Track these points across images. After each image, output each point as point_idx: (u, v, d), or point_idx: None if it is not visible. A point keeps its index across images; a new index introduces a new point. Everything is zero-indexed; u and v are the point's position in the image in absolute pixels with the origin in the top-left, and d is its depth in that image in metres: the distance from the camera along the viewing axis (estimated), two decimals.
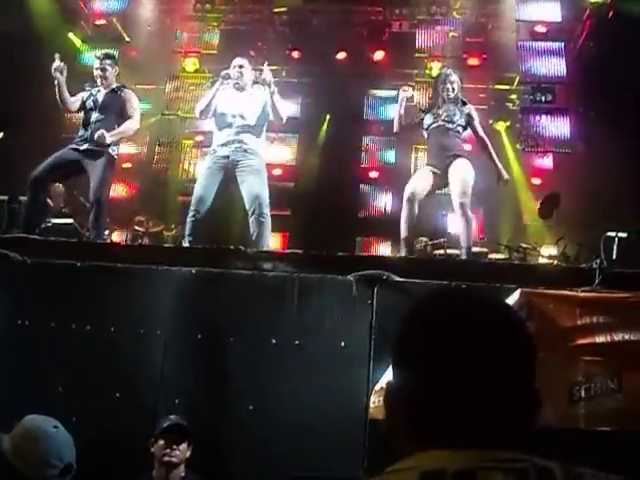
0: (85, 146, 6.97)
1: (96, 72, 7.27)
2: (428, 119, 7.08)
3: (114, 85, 7.34)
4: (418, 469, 1.08)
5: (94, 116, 7.10)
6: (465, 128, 7.13)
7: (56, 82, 6.95)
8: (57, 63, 6.95)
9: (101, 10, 12.50)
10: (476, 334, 1.15)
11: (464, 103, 7.20)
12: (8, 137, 8.10)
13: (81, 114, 7.32)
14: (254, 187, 6.64)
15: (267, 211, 6.61)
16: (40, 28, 10.88)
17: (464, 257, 6.64)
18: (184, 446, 4.32)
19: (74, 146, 7.02)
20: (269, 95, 6.76)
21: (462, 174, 6.81)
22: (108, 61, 7.39)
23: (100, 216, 6.99)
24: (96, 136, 6.85)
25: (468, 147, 11.45)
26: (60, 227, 8.20)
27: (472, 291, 1.35)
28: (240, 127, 6.79)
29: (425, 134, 7.14)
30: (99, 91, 7.27)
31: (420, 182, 6.87)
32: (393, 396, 1.23)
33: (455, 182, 6.77)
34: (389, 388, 1.25)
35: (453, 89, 7.10)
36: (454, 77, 7.23)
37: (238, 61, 7.05)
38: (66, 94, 7.09)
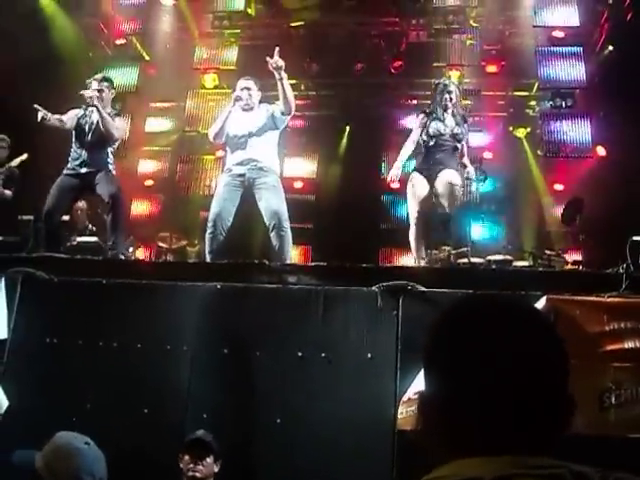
0: (84, 170, 7.12)
1: (92, 92, 7.29)
2: (435, 126, 7.13)
3: (109, 109, 7.44)
4: (455, 477, 1.08)
5: (87, 139, 7.22)
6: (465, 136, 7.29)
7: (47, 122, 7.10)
8: (40, 116, 7.03)
9: (121, 30, 12.65)
10: (508, 340, 1.15)
11: (465, 120, 7.35)
12: (32, 158, 8.20)
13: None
14: (272, 203, 6.67)
15: (287, 225, 6.64)
16: (62, 51, 11.02)
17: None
18: (209, 461, 4.32)
19: (71, 172, 7.16)
20: (278, 80, 6.72)
21: (449, 186, 6.93)
22: (106, 83, 7.50)
23: (118, 220, 7.12)
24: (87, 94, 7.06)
25: (489, 155, 11.52)
26: (85, 245, 8.26)
27: (502, 298, 1.35)
28: (253, 146, 6.83)
29: (429, 140, 7.14)
30: (93, 112, 7.33)
31: (421, 199, 6.95)
32: (426, 405, 1.23)
33: (441, 193, 6.96)
34: (422, 397, 1.25)
35: (451, 99, 7.18)
36: (452, 87, 7.33)
37: (243, 83, 7.07)
38: (58, 123, 7.22)
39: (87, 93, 7.15)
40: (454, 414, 1.16)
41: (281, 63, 6.71)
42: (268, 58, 6.75)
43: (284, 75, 6.72)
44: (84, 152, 7.16)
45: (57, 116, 7.20)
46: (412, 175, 7.16)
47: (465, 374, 1.16)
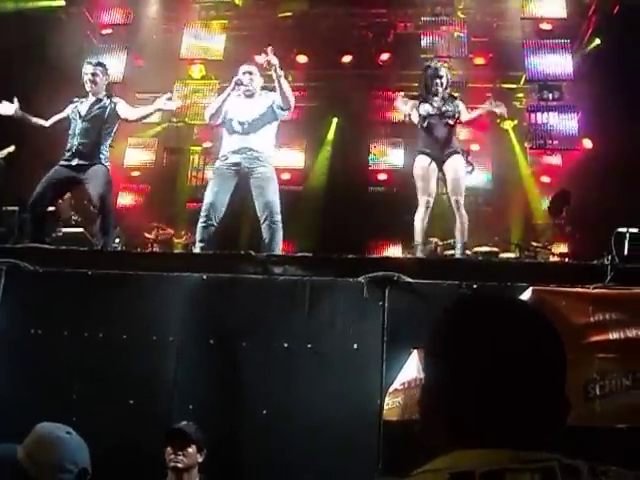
0: (76, 161, 6.98)
1: (86, 77, 7.24)
2: (424, 107, 7.16)
3: (101, 94, 7.32)
4: (447, 470, 1.09)
5: (79, 126, 7.09)
6: (456, 121, 7.24)
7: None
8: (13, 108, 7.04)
9: (107, 20, 12.54)
10: (508, 336, 1.17)
11: (454, 98, 7.34)
12: (19, 149, 8.14)
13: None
14: (265, 194, 6.66)
15: (278, 217, 6.64)
16: (47, 39, 10.91)
17: (459, 254, 6.76)
18: (190, 451, 4.32)
19: (64, 162, 7.02)
20: (275, 78, 6.73)
21: (457, 173, 7.01)
22: (100, 68, 7.38)
23: (107, 224, 7.01)
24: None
25: (476, 147, 11.53)
26: (70, 236, 8.23)
27: (503, 294, 1.37)
28: (251, 134, 6.80)
29: (421, 122, 7.15)
30: (82, 102, 7.25)
31: (431, 183, 6.93)
32: (426, 397, 1.25)
33: (450, 180, 6.99)
34: (422, 389, 1.27)
35: (442, 84, 7.20)
36: (443, 71, 7.32)
37: (246, 68, 7.04)
38: (33, 120, 7.19)
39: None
40: (452, 408, 1.18)
41: (274, 61, 6.71)
42: (262, 55, 6.73)
43: (280, 72, 6.73)
44: (76, 143, 7.03)
45: (37, 119, 7.18)
46: (417, 157, 7.15)
47: (465, 367, 1.17)
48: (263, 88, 7.20)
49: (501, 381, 1.14)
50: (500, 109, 7.38)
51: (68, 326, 5.19)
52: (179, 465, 4.29)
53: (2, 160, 8.32)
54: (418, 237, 6.89)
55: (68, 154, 7.02)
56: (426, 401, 1.25)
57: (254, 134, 6.80)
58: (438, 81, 7.17)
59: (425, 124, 7.10)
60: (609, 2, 11.19)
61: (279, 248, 6.65)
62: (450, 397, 1.18)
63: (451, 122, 7.12)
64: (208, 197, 6.79)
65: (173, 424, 4.47)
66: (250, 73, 6.98)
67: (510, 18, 12.33)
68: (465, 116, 7.26)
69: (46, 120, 7.24)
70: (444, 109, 7.10)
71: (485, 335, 1.18)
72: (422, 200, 6.91)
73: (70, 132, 7.13)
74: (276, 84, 6.77)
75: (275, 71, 6.70)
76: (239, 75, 6.98)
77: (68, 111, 7.24)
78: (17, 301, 5.35)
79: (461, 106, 7.28)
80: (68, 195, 9.16)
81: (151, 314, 5.21)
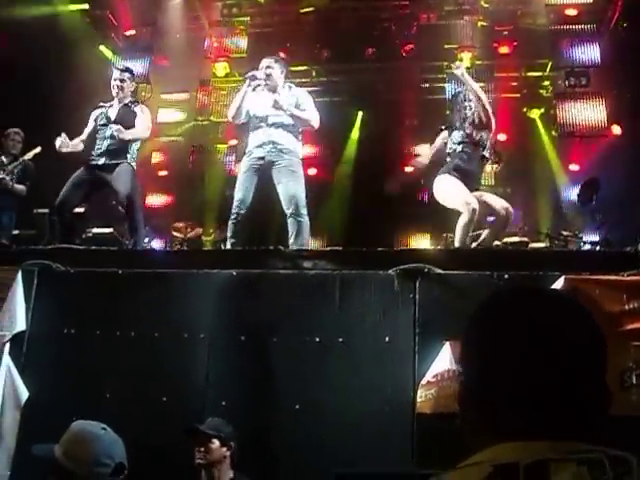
0: (102, 160, 7.04)
1: (114, 82, 7.31)
2: (456, 135, 6.97)
3: (128, 99, 7.38)
4: (490, 462, 1.08)
5: (108, 131, 7.12)
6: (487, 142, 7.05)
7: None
8: (59, 142, 7.04)
9: (130, 21, 12.63)
10: (547, 326, 1.16)
11: (483, 125, 6.99)
12: (46, 151, 8.21)
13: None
14: (290, 188, 6.64)
15: (304, 211, 6.61)
16: (71, 42, 11.01)
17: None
18: (212, 446, 4.33)
19: (91, 163, 7.09)
20: (290, 116, 6.80)
21: (493, 196, 7.00)
22: (127, 74, 7.45)
23: (136, 223, 7.06)
24: (115, 131, 6.94)
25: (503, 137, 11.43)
26: (100, 236, 8.30)
27: (539, 285, 1.35)
28: (274, 127, 6.80)
29: (455, 147, 6.94)
30: (112, 106, 7.32)
31: (467, 191, 6.73)
32: (464, 389, 1.24)
33: (493, 198, 6.93)
34: (461, 383, 1.26)
35: (470, 107, 6.99)
36: (470, 95, 7.09)
37: (265, 62, 7.04)
38: (78, 146, 7.22)
39: (113, 127, 7.11)
40: (491, 400, 1.17)
41: (282, 103, 6.79)
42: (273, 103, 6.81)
43: (290, 110, 6.78)
44: (104, 144, 7.10)
45: (76, 141, 7.20)
46: (447, 176, 6.79)
47: (503, 358, 1.16)
48: (291, 85, 7.20)
49: (539, 371, 1.13)
50: (458, 70, 7.19)
51: (100, 325, 5.23)
52: (201, 462, 4.32)
53: (30, 161, 8.40)
54: (458, 243, 6.63)
55: (95, 154, 7.07)
56: (463, 394, 1.24)
57: (277, 128, 6.81)
58: (467, 104, 7.00)
59: (460, 149, 6.86)
60: None
61: (306, 242, 6.64)
62: (488, 389, 1.17)
63: (486, 154, 6.95)
64: (238, 194, 6.80)
65: (206, 420, 4.49)
66: (268, 67, 6.97)
67: (534, 5, 12.22)
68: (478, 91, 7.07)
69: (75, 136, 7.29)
70: (476, 137, 6.88)
71: (522, 325, 1.17)
72: (469, 207, 6.49)
73: (99, 136, 7.18)
74: (301, 99, 6.91)
75: (285, 111, 6.77)
76: (258, 70, 6.99)
77: (97, 114, 7.29)
78: (49, 301, 5.40)
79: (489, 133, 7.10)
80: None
81: (182, 312, 5.22)
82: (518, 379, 1.14)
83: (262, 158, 6.75)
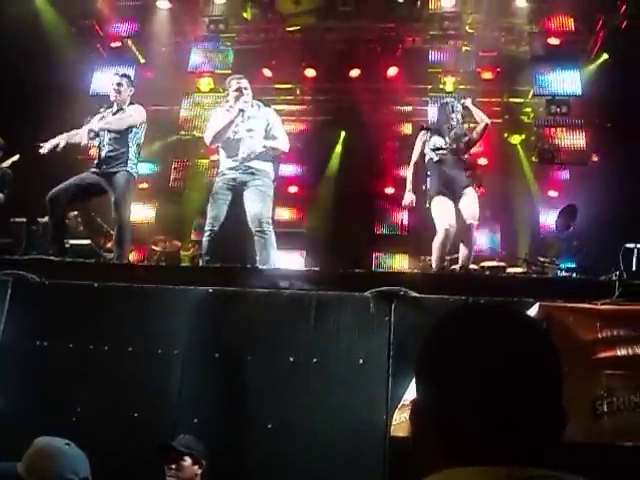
0: (103, 168, 7.04)
1: (111, 87, 7.34)
2: (434, 141, 7.20)
3: (126, 104, 7.36)
4: None
5: (106, 137, 7.13)
6: (471, 147, 7.37)
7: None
8: (46, 149, 7.00)
9: (116, 33, 12.62)
10: (502, 349, 1.14)
11: (465, 135, 7.33)
12: (25, 159, 8.16)
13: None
14: (255, 206, 6.66)
15: (269, 227, 6.63)
16: (56, 51, 10.98)
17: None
18: (184, 464, 4.29)
19: (94, 169, 7.10)
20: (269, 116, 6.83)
21: (473, 201, 7.08)
22: (125, 79, 7.48)
23: (122, 235, 7.03)
24: (103, 125, 7.00)
25: (484, 161, 11.53)
26: (78, 248, 8.24)
27: (496, 307, 1.33)
28: (246, 151, 6.81)
29: (432, 155, 7.18)
30: (108, 112, 7.32)
31: (451, 214, 6.95)
32: (418, 412, 1.21)
33: (468, 206, 7.02)
34: (413, 404, 1.23)
35: (458, 120, 7.26)
36: (459, 107, 7.39)
37: (243, 83, 7.04)
38: (72, 140, 7.15)
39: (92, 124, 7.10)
40: (446, 424, 1.14)
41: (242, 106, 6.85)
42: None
43: (266, 143, 6.86)
44: (102, 153, 7.11)
45: (65, 136, 7.14)
46: (434, 200, 7.06)
47: (457, 382, 1.14)
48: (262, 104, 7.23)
49: (494, 396, 1.11)
50: (467, 100, 7.55)
51: (73, 338, 5.18)
52: (172, 479, 4.28)
53: (8, 169, 8.33)
54: (435, 264, 6.89)
55: (96, 162, 7.12)
56: (416, 415, 1.21)
57: (251, 151, 6.81)
58: (454, 116, 7.23)
59: (436, 158, 7.12)
60: (617, 17, 11.19)
61: (273, 259, 6.62)
62: (443, 413, 1.15)
63: (463, 158, 7.21)
64: (211, 211, 6.82)
65: (177, 437, 4.46)
66: (246, 88, 7.00)
67: (518, 33, 12.38)
68: (475, 136, 7.33)
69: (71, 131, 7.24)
70: (454, 146, 7.13)
71: (477, 348, 1.14)
72: (442, 227, 6.86)
73: (98, 144, 7.19)
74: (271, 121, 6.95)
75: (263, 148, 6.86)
76: (231, 93, 7.01)
77: (95, 122, 7.28)
78: (23, 312, 5.34)
79: (483, 116, 7.35)
80: (74, 213, 9.19)
81: (157, 327, 5.19)
82: (473, 403, 1.11)
83: (234, 179, 6.79)
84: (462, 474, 1.08)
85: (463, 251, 7.07)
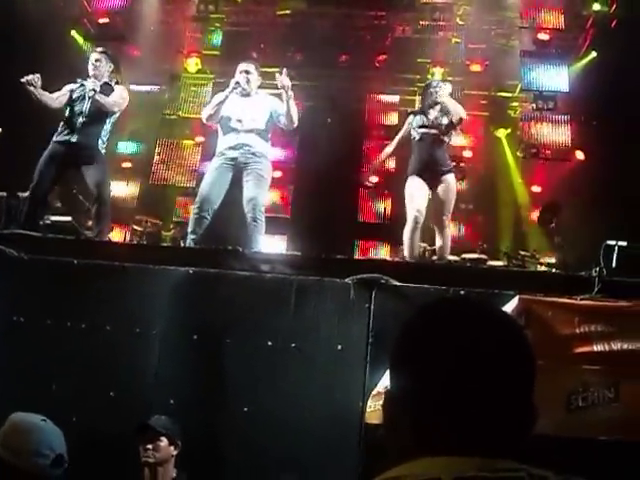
0: (75, 138, 6.89)
1: (90, 64, 7.21)
2: (418, 120, 7.23)
3: (104, 80, 7.22)
4: (412, 477, 1.06)
5: (86, 106, 6.98)
6: (450, 129, 7.23)
7: (31, 91, 6.81)
8: (30, 77, 6.78)
9: (104, 8, 12.46)
10: (475, 341, 1.14)
11: (448, 112, 7.26)
12: (7, 133, 8.06)
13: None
14: (252, 191, 6.66)
15: (261, 216, 6.62)
16: (42, 25, 10.83)
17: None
18: (161, 444, 4.27)
19: (61, 138, 6.93)
20: (285, 100, 6.72)
21: (451, 193, 7.12)
22: (104, 55, 7.36)
23: (103, 213, 6.97)
24: (91, 90, 6.88)
25: (469, 154, 11.56)
26: (58, 224, 8.17)
27: (472, 298, 1.34)
28: (247, 131, 6.80)
29: (414, 134, 7.20)
30: (89, 82, 7.12)
31: (421, 200, 7.00)
32: (391, 401, 1.22)
33: (444, 200, 7.08)
34: (387, 393, 1.24)
35: (442, 95, 7.23)
36: (442, 84, 7.47)
37: (244, 66, 7.01)
38: (45, 96, 6.94)
39: (89, 85, 6.99)
40: (418, 413, 1.15)
41: (287, 83, 6.72)
42: (277, 75, 6.72)
43: (291, 94, 6.72)
44: (78, 122, 6.94)
45: (47, 94, 6.98)
46: (410, 179, 7.13)
47: (429, 374, 1.15)
48: (260, 87, 7.18)
49: (465, 387, 1.12)
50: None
51: (51, 315, 5.14)
52: (149, 460, 4.24)
53: None
54: (406, 252, 6.92)
55: (66, 130, 6.95)
56: (389, 404, 1.22)
57: (251, 132, 6.81)
58: (438, 90, 7.24)
59: (418, 137, 7.15)
60: (607, 16, 11.24)
61: (260, 246, 6.61)
62: (416, 402, 1.15)
63: (445, 138, 7.16)
64: (203, 189, 6.82)
65: (153, 417, 4.44)
66: (247, 72, 6.96)
67: (508, 26, 12.39)
68: (454, 118, 7.21)
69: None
70: (440, 121, 7.13)
71: (451, 339, 1.15)
72: (411, 215, 6.94)
73: (72, 111, 7.01)
74: (285, 105, 6.77)
75: (286, 92, 6.69)
76: (236, 75, 6.96)
77: (73, 87, 7.15)
78: (0, 287, 5.29)
79: (459, 108, 7.26)
80: None
81: (135, 306, 5.16)
82: (444, 393, 1.12)
83: (234, 159, 6.76)
84: (431, 463, 1.08)
85: (438, 242, 7.13)
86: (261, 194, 6.73)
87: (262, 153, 6.83)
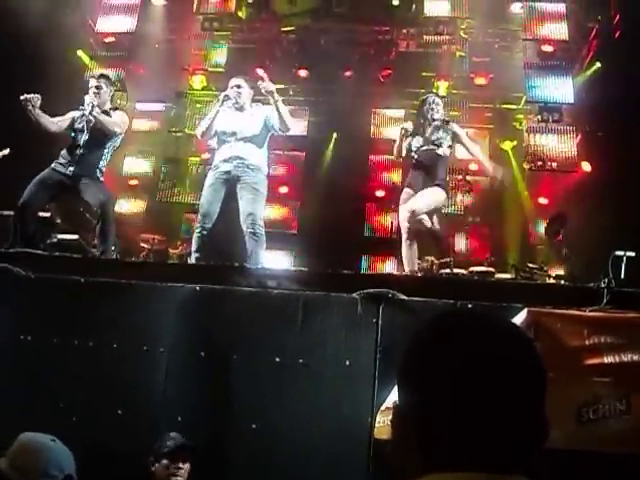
0: (72, 169, 6.87)
1: (90, 90, 7.14)
2: (416, 142, 7.19)
3: (107, 107, 7.23)
4: None
5: (84, 138, 6.99)
6: (451, 147, 7.24)
7: (29, 110, 6.74)
8: (29, 96, 6.72)
9: (110, 28, 12.54)
10: (484, 355, 1.13)
11: (447, 122, 7.29)
12: (15, 153, 8.08)
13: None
14: (249, 204, 6.65)
15: (260, 229, 6.61)
16: (49, 45, 10.88)
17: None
18: (188, 465, 4.27)
19: (59, 168, 6.91)
20: (273, 105, 6.71)
21: (423, 198, 6.98)
22: (103, 80, 7.32)
23: (107, 231, 6.96)
24: (93, 112, 6.86)
25: (474, 167, 11.54)
26: (65, 242, 8.18)
27: (480, 312, 1.32)
28: (241, 143, 6.80)
29: (414, 156, 7.18)
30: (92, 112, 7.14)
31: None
32: (399, 416, 1.21)
33: (416, 198, 6.99)
34: (395, 409, 1.23)
35: (437, 111, 7.24)
36: (438, 100, 7.44)
37: (235, 81, 7.05)
38: (43, 118, 6.88)
39: (87, 100, 7.00)
40: (426, 429, 1.14)
41: (271, 87, 6.72)
42: (259, 83, 6.77)
43: (277, 97, 6.72)
44: (77, 152, 6.92)
45: (46, 116, 6.93)
46: (404, 191, 7.16)
47: (438, 389, 1.13)
48: (258, 101, 7.20)
49: (476, 402, 1.10)
50: (499, 173, 7.66)
51: (58, 333, 5.14)
52: (179, 479, 4.22)
53: None
54: (406, 268, 6.87)
55: (65, 161, 6.93)
56: (400, 421, 1.21)
57: (244, 144, 6.81)
58: (434, 107, 7.24)
59: (414, 160, 7.16)
60: (611, 26, 11.23)
61: (262, 259, 6.60)
62: (423, 417, 1.14)
63: (439, 152, 7.09)
64: (202, 207, 6.83)
65: (160, 435, 4.42)
66: (238, 86, 6.98)
67: (512, 39, 12.41)
68: (463, 139, 7.24)
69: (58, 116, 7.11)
70: (434, 137, 7.10)
71: (461, 354, 1.14)
72: (404, 232, 6.95)
73: (72, 142, 7.01)
74: (272, 113, 6.79)
75: (272, 96, 6.69)
76: (228, 89, 6.99)
77: (76, 115, 7.15)
78: (7, 306, 5.29)
79: (456, 128, 7.25)
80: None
81: (143, 324, 5.16)
82: (452, 408, 1.11)
83: (228, 172, 6.76)
84: (444, 479, 1.07)
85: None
86: (258, 208, 6.72)
87: (256, 166, 6.79)
